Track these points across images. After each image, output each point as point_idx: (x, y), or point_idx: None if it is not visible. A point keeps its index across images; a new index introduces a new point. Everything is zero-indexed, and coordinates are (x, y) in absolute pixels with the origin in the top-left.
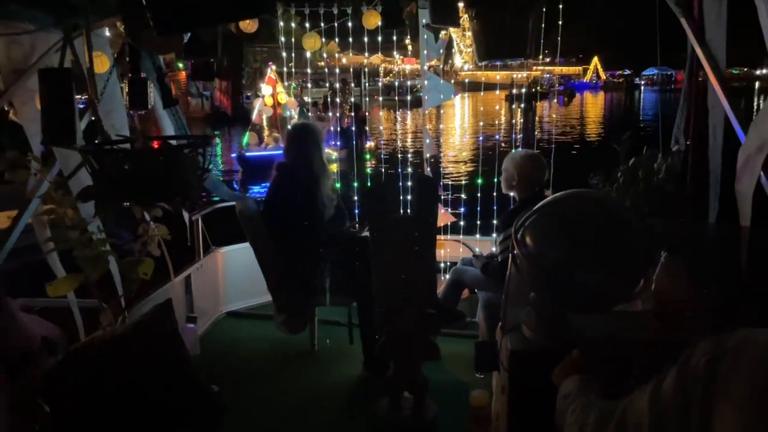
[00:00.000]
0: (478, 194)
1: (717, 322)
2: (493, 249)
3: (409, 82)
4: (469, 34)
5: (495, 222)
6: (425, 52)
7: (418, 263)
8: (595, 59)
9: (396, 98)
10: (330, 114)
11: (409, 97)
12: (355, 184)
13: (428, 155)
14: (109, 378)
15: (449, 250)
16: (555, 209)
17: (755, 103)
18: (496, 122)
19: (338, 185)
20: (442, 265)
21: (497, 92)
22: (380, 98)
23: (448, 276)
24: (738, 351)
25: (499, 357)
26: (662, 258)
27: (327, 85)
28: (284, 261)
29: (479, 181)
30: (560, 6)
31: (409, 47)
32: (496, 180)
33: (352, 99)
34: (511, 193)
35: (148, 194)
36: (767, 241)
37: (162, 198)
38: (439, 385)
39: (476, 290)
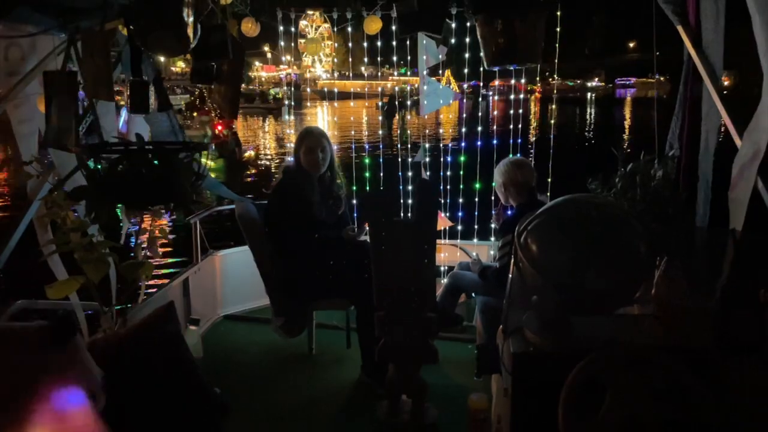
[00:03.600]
0: (476, 199)
1: (715, 326)
2: (491, 253)
3: (272, 90)
4: (329, 43)
5: (493, 226)
6: (424, 57)
7: (417, 267)
8: (448, 71)
9: (262, 106)
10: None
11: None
12: (354, 188)
13: (425, 160)
14: (113, 380)
15: (447, 254)
16: (557, 214)
17: (588, 111)
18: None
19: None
20: (440, 269)
21: (366, 102)
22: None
23: (445, 280)
24: None
25: (501, 360)
26: (662, 262)
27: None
28: (283, 264)
29: (477, 185)
30: (558, 13)
31: (268, 54)
32: (493, 185)
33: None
34: (509, 202)
35: (141, 198)
36: (762, 246)
37: (155, 202)
38: (438, 388)
39: (474, 294)
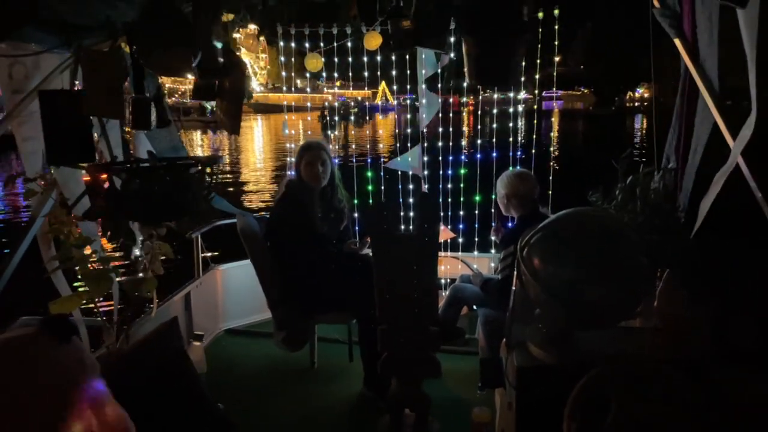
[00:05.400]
0: (476, 211)
1: (716, 337)
2: (492, 265)
3: (209, 105)
4: (264, 56)
5: (493, 239)
6: (423, 71)
7: (420, 280)
8: (383, 84)
9: (199, 119)
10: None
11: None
12: (356, 201)
13: (424, 173)
14: (117, 396)
15: (448, 266)
16: (559, 228)
17: (519, 123)
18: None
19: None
20: (441, 281)
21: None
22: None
23: (447, 293)
24: None
25: (505, 373)
26: (664, 275)
27: None
28: (285, 278)
29: (477, 198)
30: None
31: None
32: (493, 197)
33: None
34: (510, 213)
35: (154, 213)
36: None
37: (168, 217)
38: (440, 402)
39: (475, 307)
